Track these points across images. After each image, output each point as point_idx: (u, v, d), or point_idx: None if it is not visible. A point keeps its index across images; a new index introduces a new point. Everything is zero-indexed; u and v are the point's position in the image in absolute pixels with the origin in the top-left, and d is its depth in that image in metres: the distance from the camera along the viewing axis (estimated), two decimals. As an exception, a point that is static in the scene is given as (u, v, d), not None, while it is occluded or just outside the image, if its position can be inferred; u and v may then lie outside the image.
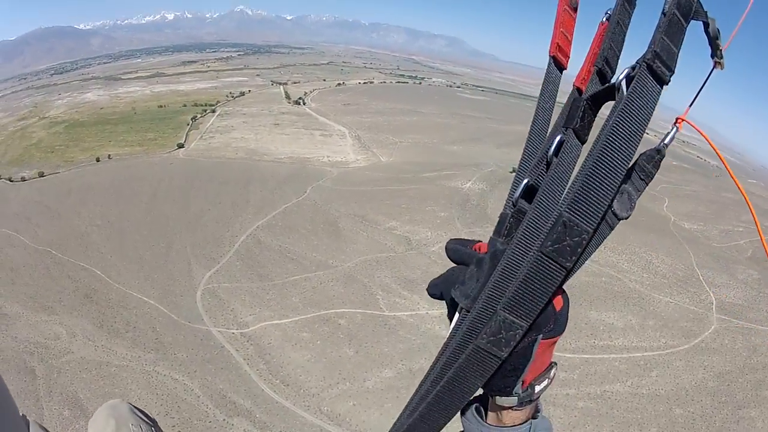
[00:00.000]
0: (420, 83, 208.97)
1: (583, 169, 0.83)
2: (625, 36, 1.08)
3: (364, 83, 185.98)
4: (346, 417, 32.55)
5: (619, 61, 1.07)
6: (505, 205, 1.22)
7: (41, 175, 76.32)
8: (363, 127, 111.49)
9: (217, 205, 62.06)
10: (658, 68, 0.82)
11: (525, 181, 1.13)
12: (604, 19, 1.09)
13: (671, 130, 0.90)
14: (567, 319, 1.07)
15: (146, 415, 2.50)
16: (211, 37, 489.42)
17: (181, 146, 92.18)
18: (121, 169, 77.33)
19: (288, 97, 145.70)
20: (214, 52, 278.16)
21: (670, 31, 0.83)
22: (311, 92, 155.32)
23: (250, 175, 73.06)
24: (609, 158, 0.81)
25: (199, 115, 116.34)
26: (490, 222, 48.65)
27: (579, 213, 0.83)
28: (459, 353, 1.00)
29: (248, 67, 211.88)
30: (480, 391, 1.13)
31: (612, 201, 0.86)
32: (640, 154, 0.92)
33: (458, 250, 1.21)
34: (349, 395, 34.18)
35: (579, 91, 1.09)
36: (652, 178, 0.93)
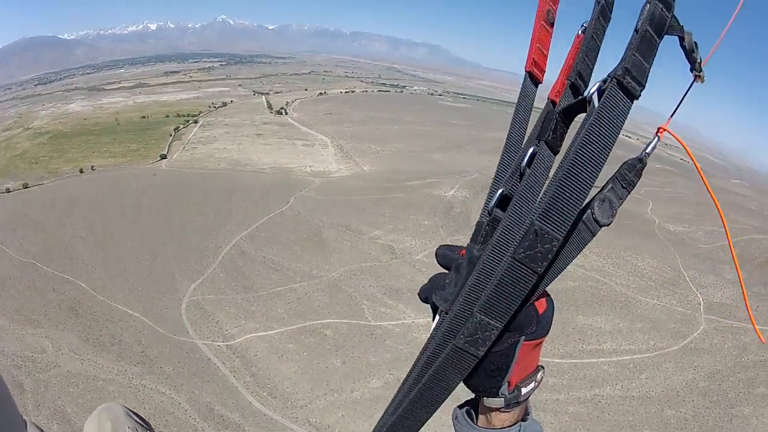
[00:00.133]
0: (402, 92, 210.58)
1: (553, 180, 0.86)
2: (599, 50, 1.12)
3: (346, 92, 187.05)
4: (335, 428, 32.54)
5: (593, 73, 1.12)
6: (481, 213, 1.27)
7: (26, 186, 75.83)
8: (345, 136, 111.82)
9: (200, 216, 61.68)
10: (628, 84, 0.84)
11: (500, 190, 1.21)
12: (580, 32, 1.12)
13: (653, 139, 0.93)
14: (551, 321, 1.13)
15: (141, 418, 2.67)
16: (193, 47, 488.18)
17: (164, 157, 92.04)
18: (104, 181, 76.82)
19: (270, 107, 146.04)
20: (197, 62, 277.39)
21: (642, 48, 0.85)
22: (293, 102, 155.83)
23: (233, 186, 72.76)
24: (578, 170, 0.84)
25: (181, 126, 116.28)
26: (474, 230, 48.72)
27: (550, 222, 0.86)
28: (438, 353, 1.05)
29: (230, 77, 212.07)
30: (471, 395, 1.24)
31: (584, 210, 0.92)
32: (623, 163, 0.94)
33: (446, 256, 1.28)
34: (338, 406, 34.15)
35: (553, 103, 1.15)
36: (634, 187, 0.95)
